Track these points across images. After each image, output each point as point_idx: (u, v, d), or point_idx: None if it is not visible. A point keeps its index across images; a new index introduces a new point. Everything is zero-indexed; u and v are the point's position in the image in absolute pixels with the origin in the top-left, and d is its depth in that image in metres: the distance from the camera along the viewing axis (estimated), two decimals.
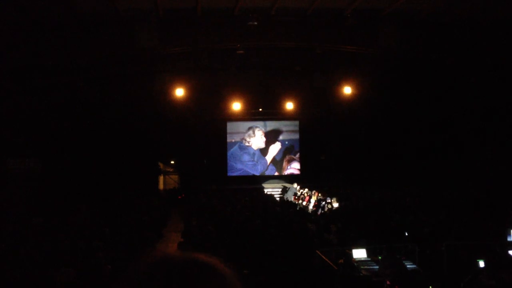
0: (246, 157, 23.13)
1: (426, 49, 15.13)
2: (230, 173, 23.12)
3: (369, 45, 15.19)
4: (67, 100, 15.89)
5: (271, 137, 23.36)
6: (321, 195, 16.95)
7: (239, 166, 23.11)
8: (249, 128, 23.16)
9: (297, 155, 23.46)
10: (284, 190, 20.04)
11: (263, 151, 23.23)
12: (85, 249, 8.92)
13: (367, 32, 14.79)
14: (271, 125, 23.36)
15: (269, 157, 23.26)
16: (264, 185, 22.32)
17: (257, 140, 23.13)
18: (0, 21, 11.98)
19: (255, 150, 23.15)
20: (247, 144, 23.10)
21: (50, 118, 15.68)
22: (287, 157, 23.42)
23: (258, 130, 23.17)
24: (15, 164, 14.80)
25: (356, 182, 19.78)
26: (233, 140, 23.21)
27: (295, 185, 19.73)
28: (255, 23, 14.20)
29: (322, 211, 15.20)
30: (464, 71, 15.38)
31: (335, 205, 15.14)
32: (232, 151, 23.18)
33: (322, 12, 13.91)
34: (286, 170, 23.36)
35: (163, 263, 1.12)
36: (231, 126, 23.15)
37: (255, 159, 23.12)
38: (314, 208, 16.05)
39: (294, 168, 23.42)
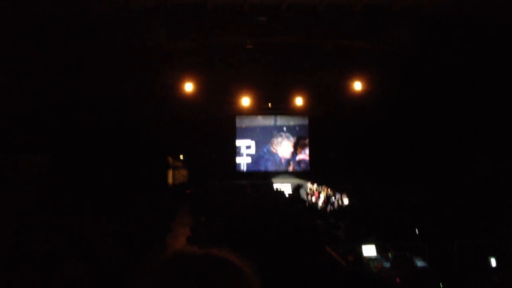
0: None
1: (437, 45, 15.04)
2: (252, 168, 23.26)
3: (379, 41, 15.14)
4: (74, 95, 15.94)
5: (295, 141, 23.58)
6: (330, 191, 16.92)
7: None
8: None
9: (307, 140, 23.48)
10: (297, 188, 20.06)
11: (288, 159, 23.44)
12: (95, 243, 8.96)
13: (377, 29, 14.73)
14: (283, 121, 23.41)
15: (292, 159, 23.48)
16: (274, 180, 22.34)
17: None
18: (11, 17, 12.04)
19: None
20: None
21: (61, 114, 15.75)
22: (301, 142, 23.45)
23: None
24: (26, 161, 14.85)
25: (365, 179, 19.72)
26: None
27: (309, 184, 19.75)
28: (265, 18, 14.19)
29: (332, 208, 15.18)
30: (475, 68, 15.28)
31: (345, 201, 15.12)
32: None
33: (332, 8, 13.87)
34: (299, 154, 23.40)
35: (182, 259, 1.13)
36: (240, 121, 23.19)
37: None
38: (324, 205, 16.05)
39: (305, 154, 23.43)
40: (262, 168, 23.21)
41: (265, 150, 23.37)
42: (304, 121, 23.52)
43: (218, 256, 1.15)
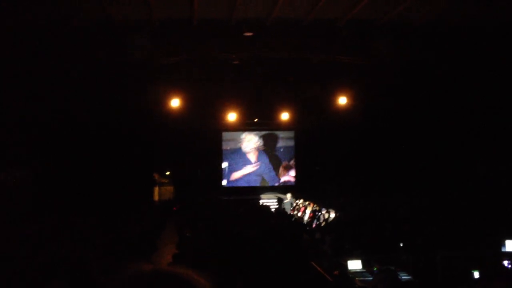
0: (249, 164, 23.30)
1: (422, 58, 15.23)
2: (230, 183, 23.07)
3: (363, 55, 15.29)
4: (59, 111, 15.83)
5: (266, 143, 23.42)
6: (316, 205, 16.89)
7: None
8: (245, 136, 23.20)
9: (292, 162, 23.41)
10: (280, 201, 19.99)
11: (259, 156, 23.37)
12: (78, 260, 8.83)
13: (362, 43, 14.88)
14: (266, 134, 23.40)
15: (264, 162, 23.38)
16: (259, 195, 22.27)
17: (250, 145, 23.17)
18: None
19: (249, 157, 23.26)
20: (244, 150, 23.20)
21: (41, 128, 15.61)
22: (284, 163, 23.40)
23: (253, 136, 23.22)
24: (6, 175, 14.66)
25: (351, 192, 19.76)
26: (228, 148, 23.19)
27: (289, 195, 19.69)
28: (251, 33, 14.26)
29: (318, 222, 15.15)
30: (460, 79, 15.46)
31: (331, 215, 15.09)
32: (233, 158, 23.24)
33: (317, 22, 13.98)
34: (282, 176, 23.35)
35: (135, 279, 1.13)
36: (226, 137, 23.16)
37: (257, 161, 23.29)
38: (310, 219, 16.00)
39: (290, 175, 23.39)
40: (245, 183, 23.14)
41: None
42: (290, 142, 23.52)
43: (172, 274, 1.15)
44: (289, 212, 17.73)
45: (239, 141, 23.21)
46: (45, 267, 8.29)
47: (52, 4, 11.65)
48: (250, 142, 23.20)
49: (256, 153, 23.28)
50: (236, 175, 23.15)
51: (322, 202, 17.66)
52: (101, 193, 17.31)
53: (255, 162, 23.27)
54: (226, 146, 23.18)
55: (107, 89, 16.55)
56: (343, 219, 14.39)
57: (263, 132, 23.28)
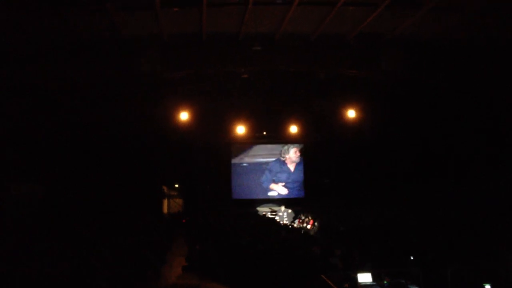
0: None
1: (429, 72, 15.25)
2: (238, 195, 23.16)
3: (372, 69, 15.30)
4: (69, 124, 15.96)
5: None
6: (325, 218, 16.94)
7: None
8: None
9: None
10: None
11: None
12: (86, 273, 8.86)
13: (370, 57, 14.91)
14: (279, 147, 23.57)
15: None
16: (269, 207, 22.32)
17: (291, 156, 23.33)
18: (2, 43, 12.17)
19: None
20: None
21: (52, 143, 15.74)
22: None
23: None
24: (17, 189, 14.76)
25: (360, 205, 19.70)
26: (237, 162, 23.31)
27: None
28: (259, 48, 14.35)
29: (326, 235, 15.12)
30: (467, 94, 15.47)
31: (340, 228, 15.07)
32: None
33: (326, 37, 14.06)
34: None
35: None
36: (235, 150, 23.25)
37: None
38: (318, 232, 15.99)
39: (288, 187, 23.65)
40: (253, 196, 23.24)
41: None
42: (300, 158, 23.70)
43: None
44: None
45: (248, 154, 23.34)
46: (53, 279, 8.33)
47: (62, 19, 11.81)
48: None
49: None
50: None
51: (330, 214, 17.65)
52: (110, 205, 17.38)
53: (264, 175, 23.37)
54: (235, 160, 23.30)
55: (117, 103, 16.68)
56: (352, 232, 14.35)
57: (273, 145, 23.41)
